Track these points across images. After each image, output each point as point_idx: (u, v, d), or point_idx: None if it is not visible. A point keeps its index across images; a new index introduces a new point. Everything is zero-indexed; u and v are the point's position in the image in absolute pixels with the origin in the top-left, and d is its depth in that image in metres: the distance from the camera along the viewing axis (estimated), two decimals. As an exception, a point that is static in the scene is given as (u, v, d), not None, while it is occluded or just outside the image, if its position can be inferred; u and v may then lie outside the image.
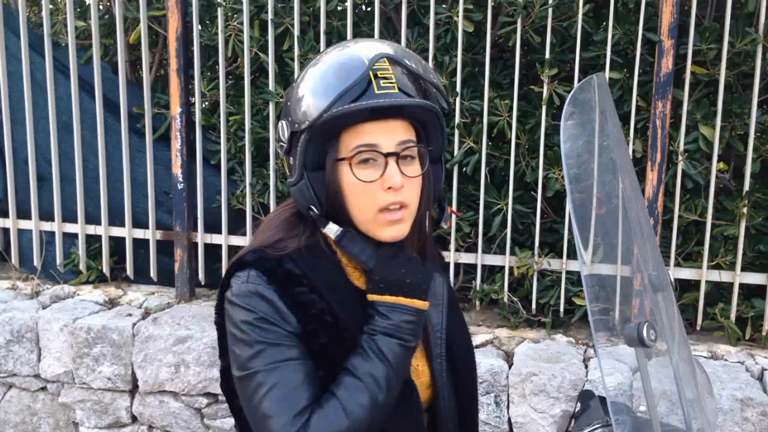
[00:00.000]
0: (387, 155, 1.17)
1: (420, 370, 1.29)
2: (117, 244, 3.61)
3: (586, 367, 2.83)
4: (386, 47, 1.20)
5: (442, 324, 1.32)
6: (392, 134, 1.17)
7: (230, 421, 3.09)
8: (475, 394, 1.40)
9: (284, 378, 1.15)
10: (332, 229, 1.21)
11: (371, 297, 1.20)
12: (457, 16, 3.04)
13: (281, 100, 3.17)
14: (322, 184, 1.20)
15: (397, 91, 1.16)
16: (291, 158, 1.22)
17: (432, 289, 1.30)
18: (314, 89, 1.18)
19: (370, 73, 1.15)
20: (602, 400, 1.27)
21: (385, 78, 1.16)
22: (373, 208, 1.19)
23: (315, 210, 1.21)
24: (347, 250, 1.22)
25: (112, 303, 3.44)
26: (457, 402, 1.34)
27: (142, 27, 3.38)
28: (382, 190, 1.18)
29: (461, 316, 1.41)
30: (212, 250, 3.47)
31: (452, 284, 1.19)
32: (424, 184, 1.24)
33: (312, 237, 1.24)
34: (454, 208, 1.22)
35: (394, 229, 1.20)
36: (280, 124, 1.23)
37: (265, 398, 1.14)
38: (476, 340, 3.02)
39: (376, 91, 1.15)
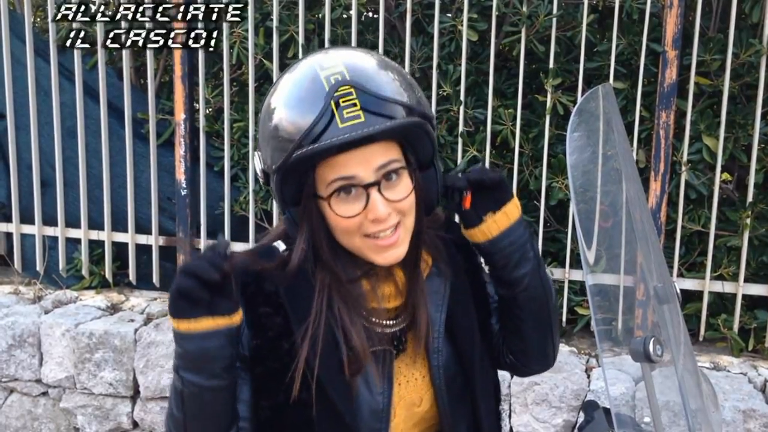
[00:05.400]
0: (367, 186, 1.09)
1: (419, 383, 1.23)
2: (120, 249, 3.61)
3: (589, 377, 2.82)
4: (353, 62, 1.10)
5: (440, 317, 1.23)
6: (369, 162, 1.08)
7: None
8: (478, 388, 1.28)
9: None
10: (281, 247, 1.17)
11: None
12: (462, 25, 3.04)
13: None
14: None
15: (362, 120, 1.05)
16: (271, 189, 1.16)
17: (435, 287, 1.23)
18: (279, 122, 1.10)
19: (332, 103, 1.05)
20: (606, 411, 1.26)
21: (349, 105, 1.05)
22: (359, 235, 1.13)
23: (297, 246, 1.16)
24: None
25: (114, 308, 3.44)
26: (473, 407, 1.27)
27: (148, 33, 3.39)
28: (367, 221, 1.11)
29: (468, 300, 1.28)
30: (215, 257, 3.47)
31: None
32: (417, 196, 1.15)
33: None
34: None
35: (389, 254, 1.13)
36: (255, 154, 1.18)
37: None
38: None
39: (340, 125, 1.04)
